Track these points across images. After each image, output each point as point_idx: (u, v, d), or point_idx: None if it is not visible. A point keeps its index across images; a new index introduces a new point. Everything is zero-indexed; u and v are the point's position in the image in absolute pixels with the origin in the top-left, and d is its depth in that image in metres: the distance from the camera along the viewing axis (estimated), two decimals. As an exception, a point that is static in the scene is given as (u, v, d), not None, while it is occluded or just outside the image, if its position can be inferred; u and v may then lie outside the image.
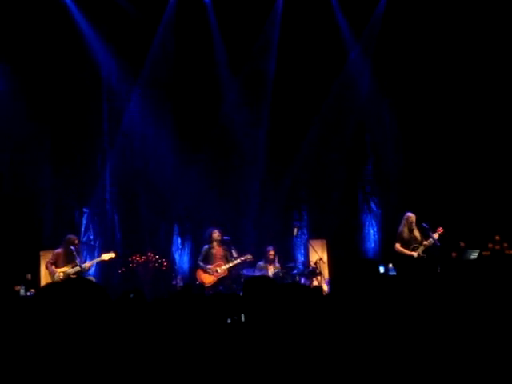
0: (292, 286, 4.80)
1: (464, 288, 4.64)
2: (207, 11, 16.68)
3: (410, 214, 14.23)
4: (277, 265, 15.07)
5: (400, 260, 14.22)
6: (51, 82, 15.89)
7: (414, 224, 14.14)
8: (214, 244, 14.77)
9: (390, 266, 14.80)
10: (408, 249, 14.06)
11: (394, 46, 16.73)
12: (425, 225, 14.11)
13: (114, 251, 14.41)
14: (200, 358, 3.92)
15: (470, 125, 16.43)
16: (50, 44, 15.70)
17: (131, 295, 5.02)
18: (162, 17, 16.54)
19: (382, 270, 14.20)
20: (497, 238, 15.39)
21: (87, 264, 13.99)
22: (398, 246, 14.22)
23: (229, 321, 5.21)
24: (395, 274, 14.57)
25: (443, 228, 14.05)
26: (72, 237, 13.90)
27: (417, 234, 14.11)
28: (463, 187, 16.29)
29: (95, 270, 15.22)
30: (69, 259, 13.62)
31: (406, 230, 14.17)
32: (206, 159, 16.75)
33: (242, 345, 4.03)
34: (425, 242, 13.95)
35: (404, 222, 14.26)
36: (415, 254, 13.97)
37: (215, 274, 14.55)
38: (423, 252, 13.98)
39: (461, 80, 16.48)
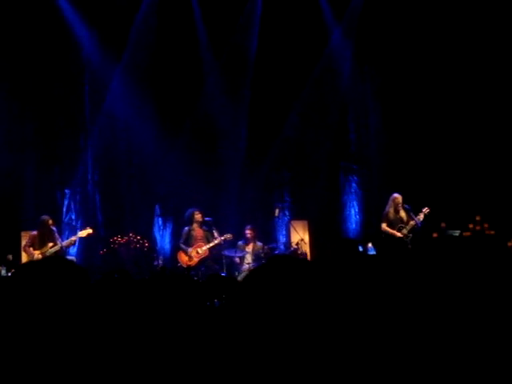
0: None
1: (443, 266, 4.66)
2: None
3: (396, 195, 14.34)
4: (258, 244, 15.07)
5: (385, 239, 14.35)
6: (33, 63, 15.81)
7: (400, 205, 14.28)
8: (195, 225, 14.78)
9: (370, 245, 14.87)
10: (393, 229, 14.20)
11: (376, 27, 16.70)
12: (407, 206, 14.22)
13: (91, 227, 14.43)
14: (187, 344, 3.91)
15: (451, 103, 16.44)
16: (32, 25, 15.61)
17: (115, 275, 5.00)
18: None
19: (361, 249, 14.29)
20: (477, 218, 15.47)
21: (65, 242, 13.97)
22: (384, 225, 14.40)
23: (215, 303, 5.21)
24: (374, 253, 14.66)
25: (429, 208, 14.18)
26: (46, 217, 13.91)
27: (403, 214, 14.27)
28: (444, 168, 16.33)
29: (76, 250, 15.20)
30: (46, 240, 13.64)
31: (391, 211, 14.32)
32: (188, 141, 16.75)
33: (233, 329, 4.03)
34: (411, 223, 14.07)
35: (390, 202, 14.40)
36: (400, 234, 14.12)
37: (196, 255, 14.57)
38: (409, 232, 14.11)
39: (443, 60, 16.46)
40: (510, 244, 14.48)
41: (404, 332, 3.93)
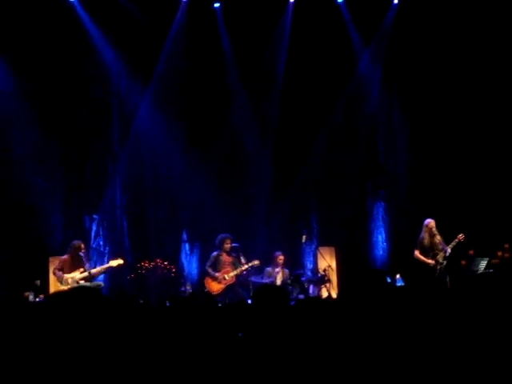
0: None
1: (471, 302, 4.63)
2: (217, 18, 16.73)
3: (429, 220, 14.23)
4: (285, 271, 15.05)
5: (415, 268, 14.21)
6: (62, 88, 15.95)
7: (434, 229, 14.12)
8: (224, 251, 14.77)
9: (398, 276, 14.80)
10: (427, 256, 14.04)
11: (404, 50, 16.72)
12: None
13: (123, 258, 14.47)
14: (206, 369, 3.92)
15: (481, 129, 16.40)
16: (61, 50, 15.76)
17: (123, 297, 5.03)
18: (172, 23, 16.58)
19: (389, 280, 14.16)
20: (506, 245, 15.36)
21: (95, 270, 14.04)
22: (417, 253, 14.23)
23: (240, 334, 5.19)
24: (403, 284, 14.58)
25: (464, 234, 14.03)
26: (77, 242, 13.97)
27: (437, 240, 14.08)
28: (472, 194, 16.25)
29: (104, 275, 15.24)
30: (75, 265, 13.69)
31: (426, 236, 14.16)
32: (215, 166, 16.80)
33: (248, 357, 4.03)
34: (444, 250, 13.91)
35: (424, 228, 14.25)
36: (433, 262, 13.95)
37: (223, 281, 14.56)
38: (443, 259, 13.95)
39: (470, 82, 16.43)
40: None
41: (430, 364, 3.91)
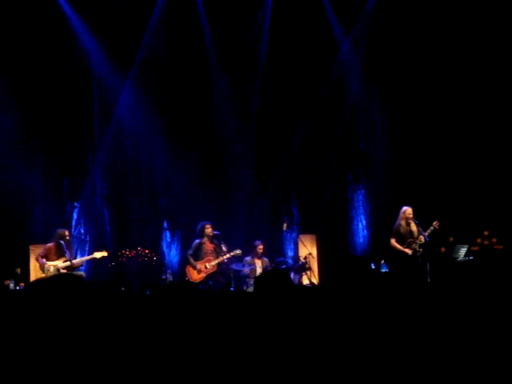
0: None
1: (452, 289, 4.68)
2: (197, 5, 16.67)
3: (406, 208, 14.09)
4: (265, 259, 15.09)
5: (393, 256, 14.19)
6: (42, 77, 15.85)
7: (410, 217, 14.05)
8: (205, 239, 14.76)
9: (382, 262, 14.82)
10: (403, 244, 13.99)
11: (384, 39, 16.77)
12: (416, 221, 14.09)
13: (107, 250, 14.45)
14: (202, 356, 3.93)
15: (459, 117, 16.48)
16: (41, 39, 15.64)
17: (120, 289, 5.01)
18: (152, 11, 16.52)
19: (373, 266, 14.13)
20: (486, 233, 15.46)
21: (78, 260, 14.02)
22: (393, 241, 14.05)
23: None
24: (387, 270, 14.58)
25: (439, 221, 14.04)
26: (63, 230, 13.93)
27: (413, 228, 13.96)
28: (452, 182, 16.33)
29: (85, 262, 15.19)
30: (59, 253, 13.65)
31: (402, 224, 14.01)
32: (197, 155, 16.77)
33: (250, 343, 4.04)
34: (420, 237, 13.85)
35: (401, 215, 14.08)
36: (409, 251, 13.84)
37: (204, 270, 14.57)
38: (419, 247, 13.90)
39: (449, 69, 16.50)
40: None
41: (415, 350, 3.95)
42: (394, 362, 3.92)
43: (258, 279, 4.87)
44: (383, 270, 14.51)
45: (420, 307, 4.50)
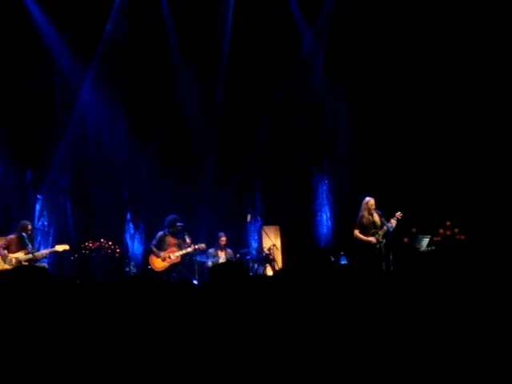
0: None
1: (415, 279, 4.71)
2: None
3: (369, 199, 14.24)
4: (229, 251, 15.11)
5: (357, 246, 14.28)
6: (2, 68, 15.72)
7: (373, 208, 14.16)
8: (171, 232, 14.76)
9: (341, 254, 14.90)
10: (367, 235, 14.09)
11: (347, 32, 16.80)
12: (379, 212, 14.20)
13: (69, 243, 14.39)
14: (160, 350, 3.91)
15: (421, 108, 16.56)
16: (1, 29, 15.51)
17: (77, 281, 4.98)
18: (114, 2, 16.43)
19: (332, 259, 14.19)
20: (448, 223, 15.58)
21: (40, 253, 13.94)
22: (356, 232, 14.20)
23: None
24: (346, 263, 14.66)
25: (401, 212, 14.16)
26: (25, 222, 13.87)
27: (376, 218, 14.11)
28: (414, 173, 16.43)
29: (48, 255, 15.09)
30: (22, 245, 13.58)
31: (365, 215, 14.15)
32: (160, 146, 16.72)
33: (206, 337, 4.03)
34: (384, 228, 13.97)
35: (364, 206, 14.24)
36: (374, 239, 14.00)
37: (167, 259, 14.56)
38: (382, 237, 14.02)
39: (412, 60, 16.55)
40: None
41: (374, 342, 3.97)
42: (349, 352, 3.93)
43: (212, 270, 4.87)
44: (342, 263, 14.59)
45: (380, 298, 4.52)
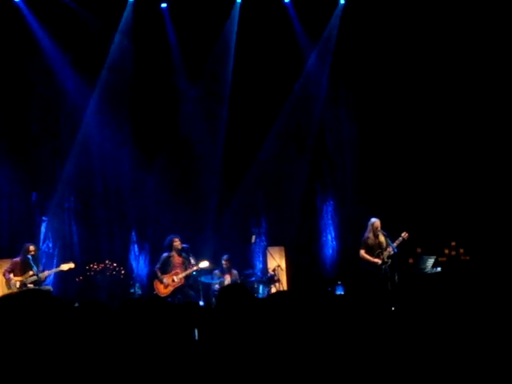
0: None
1: (419, 301, 4.69)
2: (164, 18, 16.68)
3: (374, 220, 14.28)
4: (234, 272, 15.08)
5: (362, 267, 14.27)
6: (7, 88, 15.79)
7: (378, 229, 14.19)
8: (174, 252, 14.75)
9: (338, 283, 14.85)
10: (372, 255, 14.12)
11: (350, 49, 16.84)
12: (385, 233, 14.20)
13: (74, 262, 14.40)
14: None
15: (427, 129, 16.54)
16: (5, 52, 15.61)
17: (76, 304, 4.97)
18: (118, 23, 16.49)
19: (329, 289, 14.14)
20: (453, 243, 15.54)
21: (45, 273, 13.96)
22: (362, 252, 14.23)
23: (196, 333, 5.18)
24: (342, 293, 14.60)
25: (407, 233, 14.16)
26: (28, 245, 13.86)
27: (382, 239, 14.15)
28: (419, 193, 16.40)
29: (53, 277, 15.10)
30: (26, 268, 13.59)
31: (371, 236, 14.20)
32: (164, 167, 16.73)
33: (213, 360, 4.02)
34: (388, 249, 13.99)
35: (369, 227, 14.29)
36: (379, 261, 14.02)
37: (171, 284, 14.54)
38: (388, 258, 14.03)
39: (416, 79, 16.56)
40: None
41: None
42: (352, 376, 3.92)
43: (219, 294, 4.88)
44: (338, 293, 14.53)
45: (381, 323, 4.50)
